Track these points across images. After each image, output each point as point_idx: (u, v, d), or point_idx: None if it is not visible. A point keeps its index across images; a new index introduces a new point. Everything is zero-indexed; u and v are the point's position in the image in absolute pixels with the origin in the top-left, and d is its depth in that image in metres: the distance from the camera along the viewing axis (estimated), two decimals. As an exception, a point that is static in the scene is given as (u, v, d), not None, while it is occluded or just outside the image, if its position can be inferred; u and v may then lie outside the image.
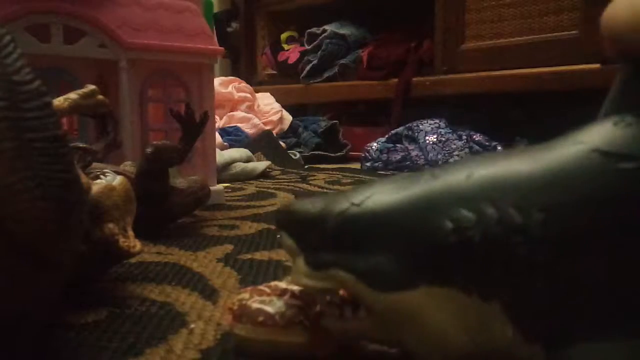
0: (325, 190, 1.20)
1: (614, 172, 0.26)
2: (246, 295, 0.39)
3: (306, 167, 1.70)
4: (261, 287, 0.40)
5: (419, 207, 0.29)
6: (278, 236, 0.34)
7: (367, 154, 1.64)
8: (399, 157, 1.57)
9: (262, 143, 1.67)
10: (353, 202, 0.31)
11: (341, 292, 0.34)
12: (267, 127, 1.80)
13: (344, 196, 0.31)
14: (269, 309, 0.37)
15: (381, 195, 0.30)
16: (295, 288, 0.39)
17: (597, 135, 0.27)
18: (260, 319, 0.37)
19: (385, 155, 1.59)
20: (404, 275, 0.28)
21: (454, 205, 0.28)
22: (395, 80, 1.79)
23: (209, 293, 0.51)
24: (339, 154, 1.87)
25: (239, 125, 1.74)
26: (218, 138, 1.53)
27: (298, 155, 1.77)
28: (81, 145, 0.65)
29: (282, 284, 0.40)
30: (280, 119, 1.91)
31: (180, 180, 0.81)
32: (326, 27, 2.04)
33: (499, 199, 0.27)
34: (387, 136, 1.66)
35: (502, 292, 0.27)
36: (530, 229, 0.26)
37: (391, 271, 0.29)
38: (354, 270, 0.30)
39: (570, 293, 0.26)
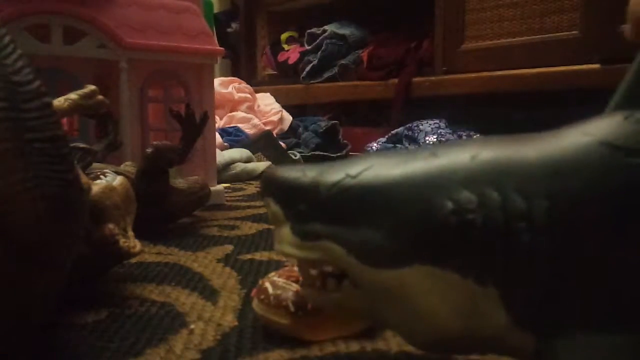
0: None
1: (622, 166, 0.26)
2: (274, 274, 0.43)
3: (306, 167, 1.70)
4: (295, 269, 0.43)
5: (419, 184, 0.28)
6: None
7: (367, 154, 1.64)
8: (399, 157, 1.57)
9: (262, 143, 1.67)
10: (349, 174, 0.30)
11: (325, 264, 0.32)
12: (267, 128, 1.80)
13: (339, 167, 0.30)
14: (271, 289, 0.41)
15: (379, 168, 0.29)
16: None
17: (607, 128, 0.27)
18: (262, 296, 0.41)
19: (385, 155, 1.59)
20: (398, 252, 0.28)
21: (456, 186, 0.27)
22: (395, 80, 1.78)
23: (209, 293, 0.51)
24: (339, 154, 1.87)
25: (239, 125, 1.74)
26: (218, 138, 1.53)
27: (298, 155, 1.77)
28: (81, 146, 0.65)
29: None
30: (280, 119, 1.90)
31: (180, 180, 0.81)
32: (326, 27, 2.03)
33: (504, 184, 0.27)
34: (387, 136, 1.66)
35: (500, 278, 0.26)
36: (534, 216, 0.26)
37: (385, 247, 0.28)
38: (346, 244, 0.29)
39: (568, 283, 0.26)
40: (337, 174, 0.30)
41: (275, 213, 0.32)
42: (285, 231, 0.31)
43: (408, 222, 0.28)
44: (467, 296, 0.27)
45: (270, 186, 0.32)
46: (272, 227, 0.33)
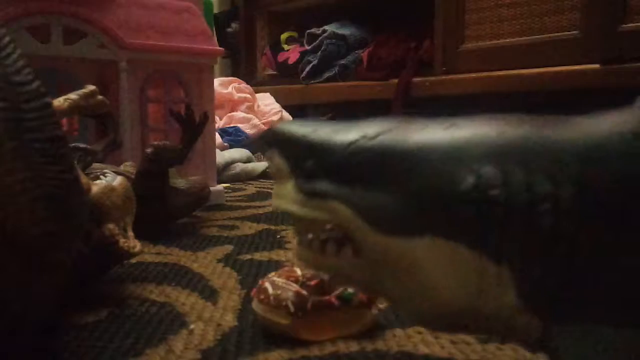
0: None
1: None
2: (274, 274, 0.43)
3: (306, 167, 1.70)
4: (295, 269, 0.44)
5: (440, 153, 0.27)
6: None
7: (367, 154, 1.64)
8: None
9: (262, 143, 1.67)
10: (366, 135, 0.28)
11: (327, 226, 0.30)
12: (267, 128, 1.80)
13: (354, 127, 0.29)
14: (271, 289, 0.41)
15: (397, 133, 0.28)
16: (307, 274, 0.43)
17: (638, 118, 0.26)
18: (262, 296, 0.41)
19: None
20: (410, 220, 0.26)
21: (480, 160, 0.26)
22: (395, 80, 1.79)
23: (209, 293, 0.51)
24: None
25: (239, 125, 1.74)
26: (218, 138, 1.53)
27: (298, 155, 1.76)
28: (81, 146, 0.65)
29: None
30: (280, 120, 1.90)
31: (180, 180, 0.81)
32: (326, 27, 2.03)
33: (530, 164, 0.26)
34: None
35: (515, 258, 0.25)
36: (559, 200, 0.25)
37: (397, 213, 0.27)
38: (355, 206, 0.28)
39: (585, 272, 0.25)
40: (352, 133, 0.29)
41: (279, 167, 0.31)
42: (289, 187, 0.30)
43: (424, 191, 0.26)
44: (477, 273, 0.26)
45: (277, 139, 0.31)
46: (272, 185, 0.31)
